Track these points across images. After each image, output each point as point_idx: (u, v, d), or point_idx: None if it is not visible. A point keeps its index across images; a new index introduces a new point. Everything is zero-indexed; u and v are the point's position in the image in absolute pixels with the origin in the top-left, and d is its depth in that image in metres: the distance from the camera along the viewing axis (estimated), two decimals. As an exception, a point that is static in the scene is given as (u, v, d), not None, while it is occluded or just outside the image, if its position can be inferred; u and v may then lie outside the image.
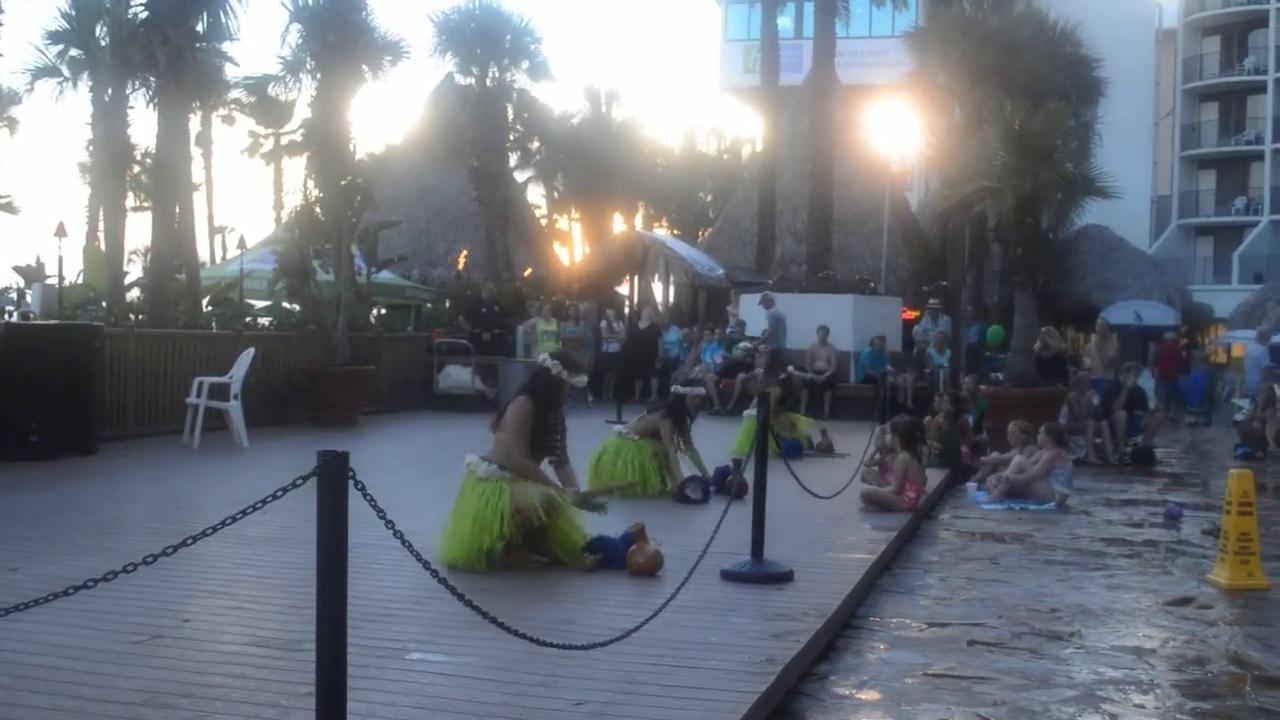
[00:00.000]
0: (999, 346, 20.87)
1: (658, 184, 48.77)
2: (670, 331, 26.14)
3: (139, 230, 48.16)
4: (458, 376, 20.93)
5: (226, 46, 23.66)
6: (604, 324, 24.54)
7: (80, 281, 23.89)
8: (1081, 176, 17.77)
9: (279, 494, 3.82)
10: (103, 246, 25.02)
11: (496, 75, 30.21)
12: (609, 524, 7.87)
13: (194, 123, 25.97)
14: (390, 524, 3.99)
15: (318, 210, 19.23)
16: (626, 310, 29.54)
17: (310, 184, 19.74)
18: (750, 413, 14.84)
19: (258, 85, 38.64)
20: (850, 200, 30.65)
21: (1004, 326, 22.74)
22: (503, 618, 4.55)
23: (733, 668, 5.39)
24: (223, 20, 18.95)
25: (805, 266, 26.77)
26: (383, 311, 24.88)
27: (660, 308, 31.77)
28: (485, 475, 7.47)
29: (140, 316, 17.62)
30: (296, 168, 42.24)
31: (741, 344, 21.77)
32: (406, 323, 25.79)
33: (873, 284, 26.30)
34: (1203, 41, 50.64)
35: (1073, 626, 7.10)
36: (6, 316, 18.46)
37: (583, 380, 8.02)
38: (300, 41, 19.46)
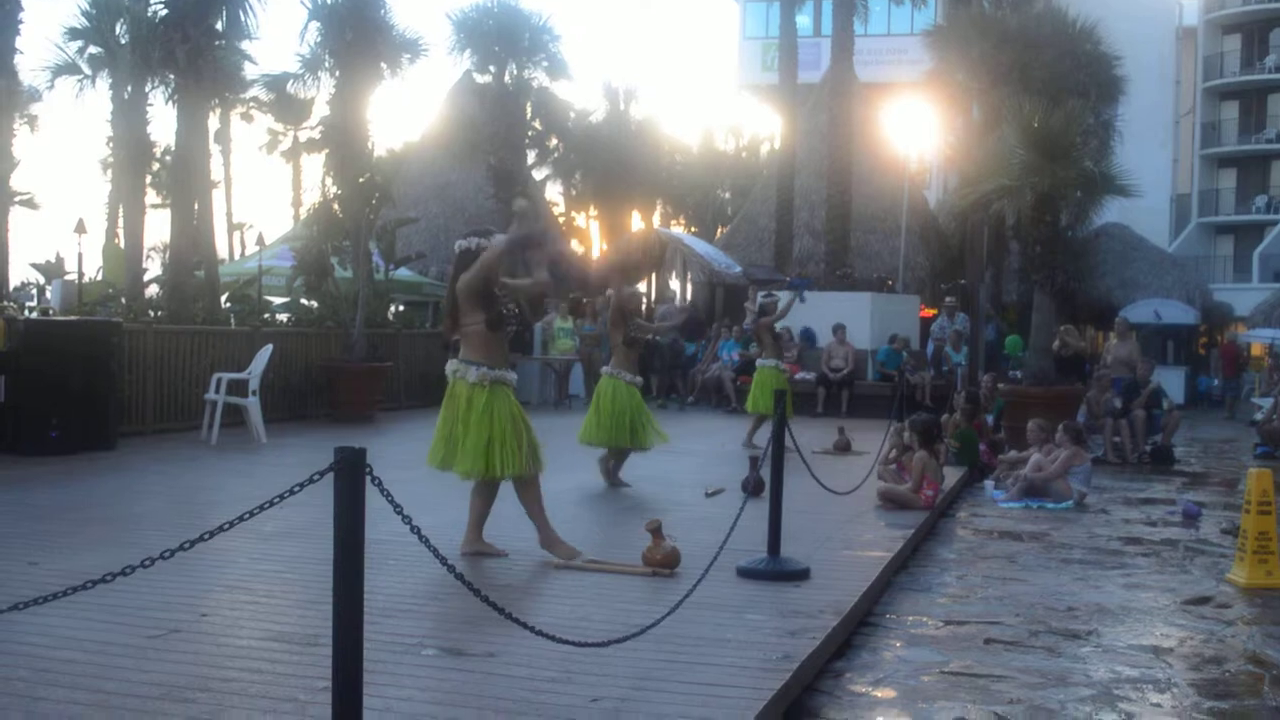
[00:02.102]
0: (1017, 356, 20.84)
1: (676, 182, 48.71)
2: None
3: (158, 227, 48.40)
4: (475, 374, 20.88)
5: (245, 44, 23.77)
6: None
7: (99, 278, 24.00)
8: (1101, 174, 17.68)
9: (296, 489, 3.84)
10: (122, 243, 25.15)
11: (515, 73, 30.25)
12: (624, 521, 7.81)
13: (213, 120, 26.07)
14: (407, 519, 4.01)
15: (336, 207, 19.28)
16: (644, 307, 29.53)
17: (329, 181, 19.76)
18: (765, 362, 14.97)
19: (276, 83, 38.78)
20: (868, 198, 30.58)
21: (1023, 325, 22.69)
22: (518, 613, 4.56)
23: (749, 664, 5.39)
24: (242, 18, 19.01)
25: (823, 264, 26.75)
26: (401, 308, 24.95)
27: (677, 305, 31.75)
28: (478, 379, 7.44)
29: (159, 313, 17.68)
30: (315, 165, 42.26)
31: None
32: (424, 319, 25.84)
33: (891, 282, 26.26)
34: (1223, 39, 50.36)
35: (1090, 625, 7.08)
36: (26, 313, 18.53)
37: (502, 240, 7.68)
38: (319, 39, 19.50)
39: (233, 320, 18.42)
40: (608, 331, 11.79)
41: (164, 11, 18.36)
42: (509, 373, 7.60)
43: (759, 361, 15.44)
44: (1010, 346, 21.90)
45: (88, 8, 24.41)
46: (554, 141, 38.38)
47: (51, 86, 27.86)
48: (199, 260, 18.96)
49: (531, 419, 7.85)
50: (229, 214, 43.00)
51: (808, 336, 22.43)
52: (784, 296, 16.48)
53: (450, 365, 7.57)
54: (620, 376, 11.28)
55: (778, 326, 15.92)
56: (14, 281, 26.27)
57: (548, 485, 10.77)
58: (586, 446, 11.43)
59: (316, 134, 37.93)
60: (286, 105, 41.38)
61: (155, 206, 33.82)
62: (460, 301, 7.55)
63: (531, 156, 35.43)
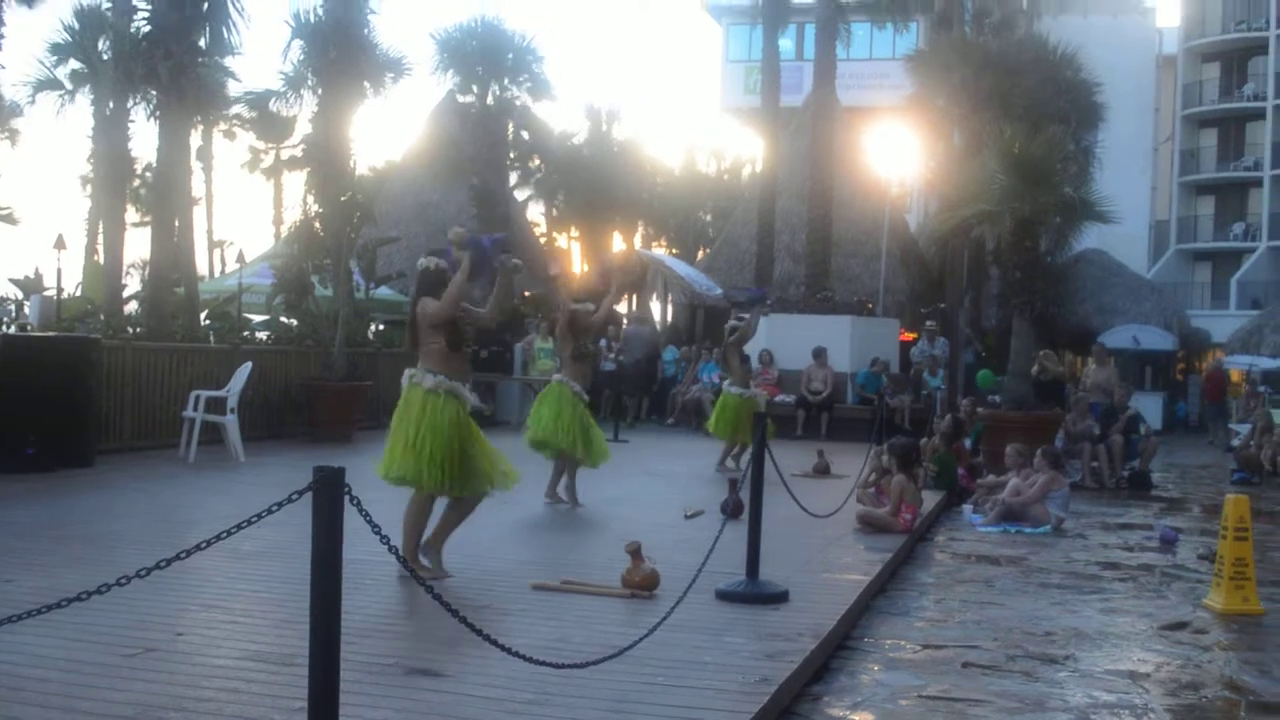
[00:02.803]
0: (989, 389, 20.90)
1: (657, 203, 48.82)
2: (668, 351, 26.23)
3: (138, 243, 48.22)
4: (455, 393, 20.81)
5: (229, 62, 23.76)
6: (603, 342, 24.56)
7: (79, 294, 23.90)
8: (1080, 201, 17.77)
9: (274, 508, 3.83)
10: (102, 259, 25.07)
11: (498, 93, 30.27)
12: (603, 543, 7.78)
13: (195, 137, 26.00)
14: (385, 539, 4.00)
15: (317, 226, 19.24)
16: (624, 327, 29.56)
17: (310, 199, 19.71)
18: (730, 389, 14.94)
19: (259, 100, 38.70)
20: (849, 222, 30.69)
21: (1002, 350, 22.78)
22: (495, 634, 4.55)
23: (726, 687, 5.38)
24: (225, 35, 18.96)
25: (804, 287, 26.80)
26: (381, 327, 24.90)
27: (658, 326, 31.82)
28: (433, 386, 7.45)
29: (138, 329, 17.61)
30: (297, 183, 42.20)
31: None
32: (404, 339, 25.78)
33: (871, 305, 26.35)
34: (1202, 67, 50.74)
35: (1067, 650, 7.09)
36: (4, 328, 18.44)
37: (461, 257, 7.72)
38: (302, 57, 19.50)
39: (212, 338, 18.35)
40: (558, 346, 11.84)
41: (147, 28, 18.30)
42: (465, 388, 7.61)
43: (725, 387, 15.39)
44: (982, 381, 21.99)
45: (70, 23, 24.38)
46: (536, 162, 38.46)
47: (33, 101, 27.80)
48: (179, 277, 18.90)
49: (511, 439, 7.85)
50: (210, 231, 42.96)
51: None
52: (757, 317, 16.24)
53: (407, 373, 7.59)
54: (569, 385, 11.26)
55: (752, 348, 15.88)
56: (-8, 297, 26.15)
57: (528, 504, 10.82)
58: (534, 450, 11.37)
59: (298, 152, 37.89)
60: (269, 123, 41.31)
61: (136, 224, 33.74)
62: (421, 326, 7.58)
63: (514, 177, 35.50)
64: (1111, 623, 7.91)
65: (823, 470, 14.77)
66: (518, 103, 31.38)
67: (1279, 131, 47.04)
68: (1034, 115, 22.36)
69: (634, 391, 24.03)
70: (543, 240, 43.71)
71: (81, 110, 27.06)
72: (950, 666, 6.66)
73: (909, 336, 26.29)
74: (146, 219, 28.15)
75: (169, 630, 6.04)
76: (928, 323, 24.60)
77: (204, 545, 3.85)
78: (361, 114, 19.74)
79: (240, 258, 27.61)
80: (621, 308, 32.71)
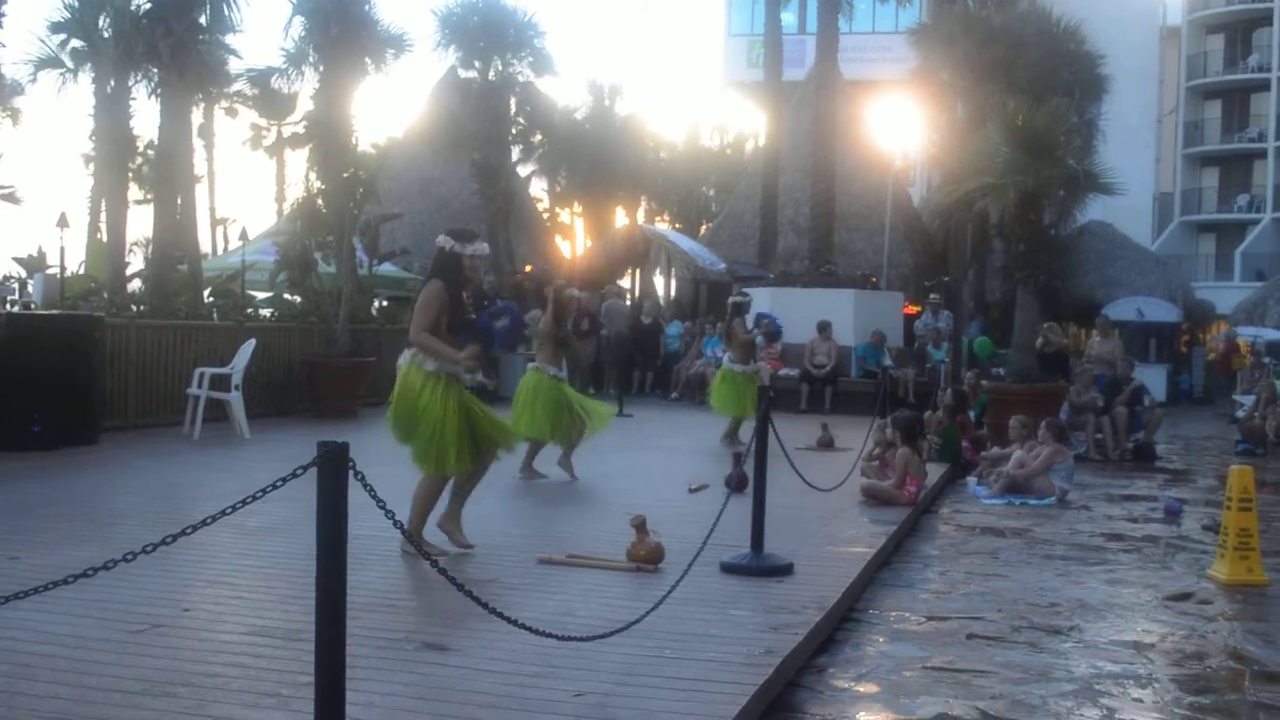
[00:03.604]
0: (988, 359, 20.82)
1: (660, 178, 48.68)
2: (672, 325, 26.22)
3: (141, 221, 48.00)
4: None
5: (229, 39, 23.59)
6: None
7: (82, 272, 23.91)
8: (1084, 173, 17.72)
9: (279, 484, 3.83)
10: (105, 238, 25.08)
11: (499, 69, 30.18)
12: (608, 517, 7.80)
13: (196, 114, 25.94)
14: (390, 514, 4.00)
15: (320, 203, 19.23)
16: (628, 303, 29.55)
17: (312, 176, 19.68)
18: (733, 366, 14.95)
19: (260, 77, 38.52)
20: (853, 195, 30.65)
21: (1006, 323, 22.75)
22: (501, 608, 4.56)
23: (732, 659, 5.40)
24: (225, 12, 18.91)
25: (807, 261, 26.75)
26: (384, 304, 24.91)
27: (662, 301, 31.80)
28: (435, 369, 7.45)
29: (142, 307, 17.62)
30: (299, 160, 42.01)
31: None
32: (408, 315, 25.75)
33: (874, 279, 26.31)
34: (1207, 39, 50.56)
35: (1072, 621, 7.11)
36: (8, 307, 18.44)
37: (483, 249, 7.77)
38: (303, 34, 19.42)
39: (215, 315, 18.36)
40: (541, 329, 11.84)
41: (147, 5, 18.25)
42: (464, 372, 7.60)
43: (725, 362, 15.41)
44: (979, 348, 21.93)
45: (70, 1, 24.29)
46: (538, 137, 38.20)
47: (34, 80, 27.70)
48: (182, 255, 18.89)
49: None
50: (212, 209, 42.85)
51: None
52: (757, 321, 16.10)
53: (405, 355, 7.59)
54: (545, 371, 11.32)
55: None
56: (-4, 276, 26.14)
57: (533, 480, 10.85)
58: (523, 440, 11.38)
59: (300, 129, 37.76)
60: (270, 100, 41.17)
61: (138, 201, 33.64)
62: (419, 311, 7.55)
63: (515, 153, 35.30)
64: (1116, 594, 7.93)
65: (826, 444, 14.76)
66: (520, 78, 31.27)
67: (1284, 103, 46.93)
68: (1038, 88, 22.26)
69: (621, 361, 24.13)
70: (545, 216, 43.60)
71: (83, 88, 26.93)
72: (955, 638, 6.68)
73: (913, 310, 26.27)
74: (149, 197, 28.03)
75: (175, 606, 6.06)
76: (931, 296, 24.57)
77: (209, 521, 3.86)
78: (363, 90, 19.76)
79: (243, 235, 27.63)
80: (626, 283, 32.64)
